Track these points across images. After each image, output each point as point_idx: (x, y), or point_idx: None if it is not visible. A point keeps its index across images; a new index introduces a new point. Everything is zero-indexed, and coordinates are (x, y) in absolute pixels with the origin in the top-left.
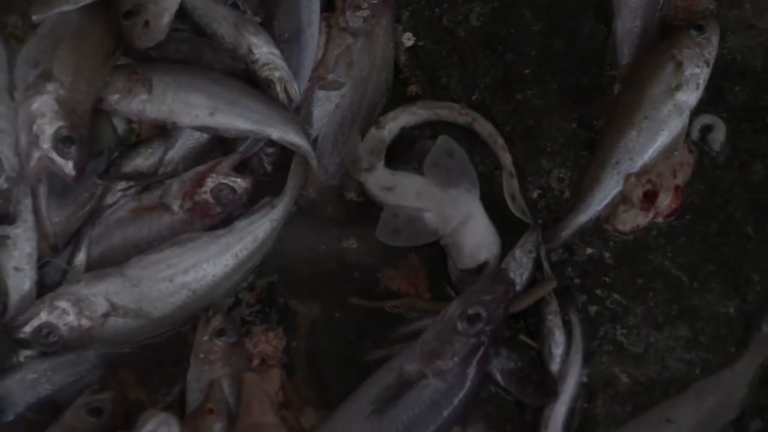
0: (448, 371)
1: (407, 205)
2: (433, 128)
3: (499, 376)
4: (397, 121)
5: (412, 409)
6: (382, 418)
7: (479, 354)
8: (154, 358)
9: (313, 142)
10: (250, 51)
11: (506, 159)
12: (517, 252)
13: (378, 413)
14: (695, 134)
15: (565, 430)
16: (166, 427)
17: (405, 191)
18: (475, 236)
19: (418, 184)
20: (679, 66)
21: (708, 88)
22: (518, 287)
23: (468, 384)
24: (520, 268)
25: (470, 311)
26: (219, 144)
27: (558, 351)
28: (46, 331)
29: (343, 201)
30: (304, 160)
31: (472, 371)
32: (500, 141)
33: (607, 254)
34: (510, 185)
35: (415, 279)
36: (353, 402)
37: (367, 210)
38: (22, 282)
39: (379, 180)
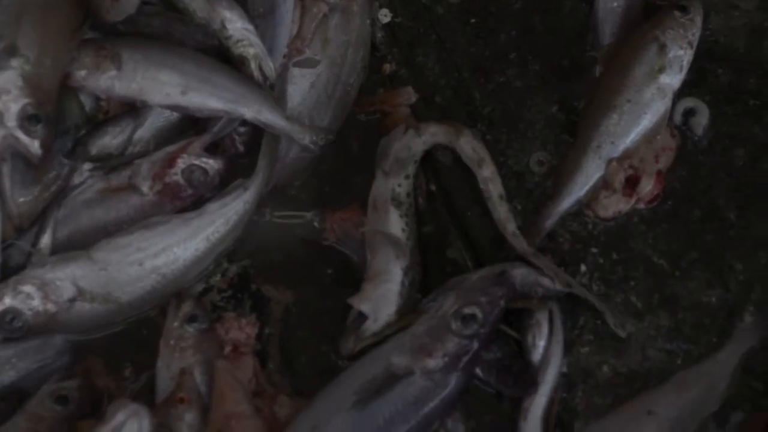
0: (437, 371)
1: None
2: None
3: (478, 367)
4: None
5: (395, 404)
6: (364, 411)
7: (469, 356)
8: (122, 344)
9: None
10: (224, 26)
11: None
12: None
13: (360, 405)
14: (678, 118)
15: (544, 421)
16: (137, 418)
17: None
18: None
19: None
20: (663, 48)
21: (690, 71)
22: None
23: (454, 385)
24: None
25: (466, 311)
26: (191, 124)
27: (541, 342)
28: (10, 316)
29: (317, 184)
30: (275, 139)
31: (459, 372)
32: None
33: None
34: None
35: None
36: (335, 391)
37: (341, 193)
38: None
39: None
